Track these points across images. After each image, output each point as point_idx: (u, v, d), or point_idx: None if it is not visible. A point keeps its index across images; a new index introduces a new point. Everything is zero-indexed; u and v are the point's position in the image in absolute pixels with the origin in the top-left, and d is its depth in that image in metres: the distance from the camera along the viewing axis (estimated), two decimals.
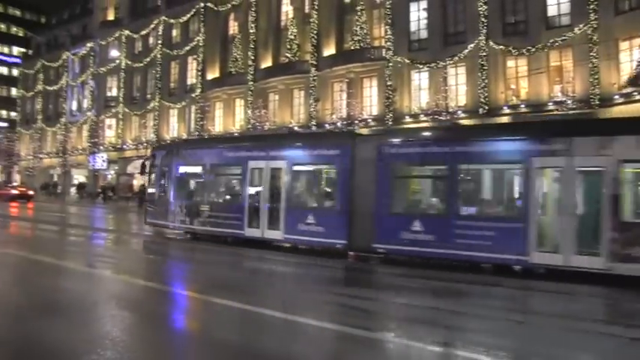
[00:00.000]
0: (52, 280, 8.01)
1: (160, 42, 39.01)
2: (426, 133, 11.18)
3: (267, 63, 32.27)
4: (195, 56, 36.52)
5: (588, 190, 8.62)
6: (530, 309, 7.00)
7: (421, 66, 25.39)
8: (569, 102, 21.09)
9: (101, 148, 43.03)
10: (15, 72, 64.76)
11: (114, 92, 43.61)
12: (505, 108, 22.84)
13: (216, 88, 34.35)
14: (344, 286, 8.65)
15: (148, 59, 39.74)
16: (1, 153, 54.78)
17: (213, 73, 35.25)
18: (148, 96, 40.30)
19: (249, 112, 32.13)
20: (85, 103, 46.25)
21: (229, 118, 34.22)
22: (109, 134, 43.48)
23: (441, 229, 9.41)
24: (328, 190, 11.90)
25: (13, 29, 64.38)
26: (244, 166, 12.62)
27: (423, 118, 24.92)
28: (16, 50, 67.51)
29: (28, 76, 54.36)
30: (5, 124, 63.53)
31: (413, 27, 26.13)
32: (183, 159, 14.24)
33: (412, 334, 5.41)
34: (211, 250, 11.99)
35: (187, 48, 36.89)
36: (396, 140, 10.68)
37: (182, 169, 14.15)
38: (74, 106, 47.93)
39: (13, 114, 62.36)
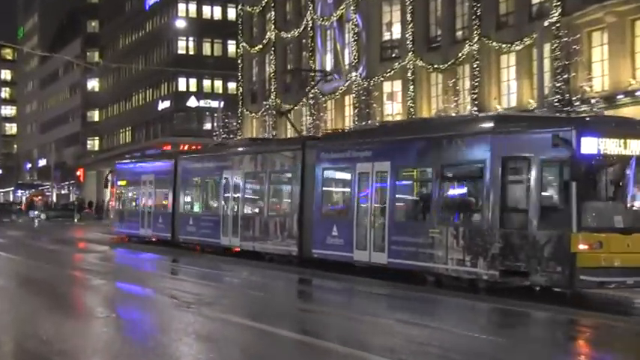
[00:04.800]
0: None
1: None
2: None
3: None
4: None
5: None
6: None
7: None
8: None
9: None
10: (231, 13, 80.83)
11: (395, 32, 51.66)
12: None
13: (591, 4, 37.66)
14: None
15: None
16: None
17: None
18: (458, 34, 46.64)
19: None
20: (347, 57, 55.64)
21: (624, 59, 37.24)
22: (392, 108, 51.62)
23: None
24: None
25: None
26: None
27: None
28: None
29: (250, 17, 68.06)
30: (216, 103, 79.38)
31: None
32: None
33: None
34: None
35: None
36: None
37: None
38: (327, 62, 58.28)
39: (231, 86, 77.70)
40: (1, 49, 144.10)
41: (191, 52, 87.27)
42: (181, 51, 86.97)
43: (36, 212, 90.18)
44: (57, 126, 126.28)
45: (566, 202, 17.93)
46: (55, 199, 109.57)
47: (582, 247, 17.57)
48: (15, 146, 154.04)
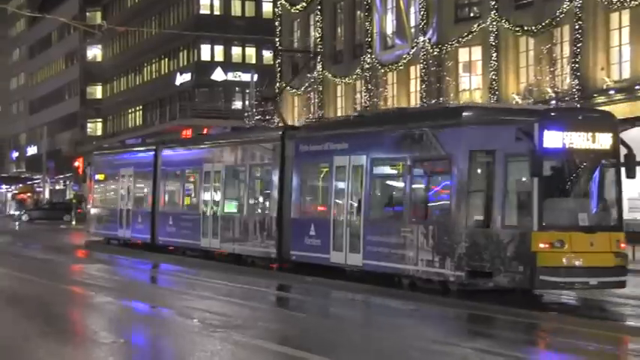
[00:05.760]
0: None
1: None
2: None
3: None
4: None
5: None
6: None
7: None
8: None
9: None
10: None
11: None
12: None
13: None
14: None
15: None
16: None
17: None
18: None
19: None
20: (413, 18, 55.57)
21: None
22: (470, 81, 51.86)
23: None
24: None
25: None
26: None
27: None
28: None
29: None
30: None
31: None
32: None
33: None
34: None
35: None
36: None
37: None
38: (388, 25, 58.26)
39: (267, 55, 77.72)
40: None
41: (216, 13, 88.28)
42: (204, 11, 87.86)
43: (18, 212, 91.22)
44: (50, 105, 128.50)
45: (528, 198, 21.37)
46: (47, 195, 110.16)
47: (542, 245, 20.81)
48: None
